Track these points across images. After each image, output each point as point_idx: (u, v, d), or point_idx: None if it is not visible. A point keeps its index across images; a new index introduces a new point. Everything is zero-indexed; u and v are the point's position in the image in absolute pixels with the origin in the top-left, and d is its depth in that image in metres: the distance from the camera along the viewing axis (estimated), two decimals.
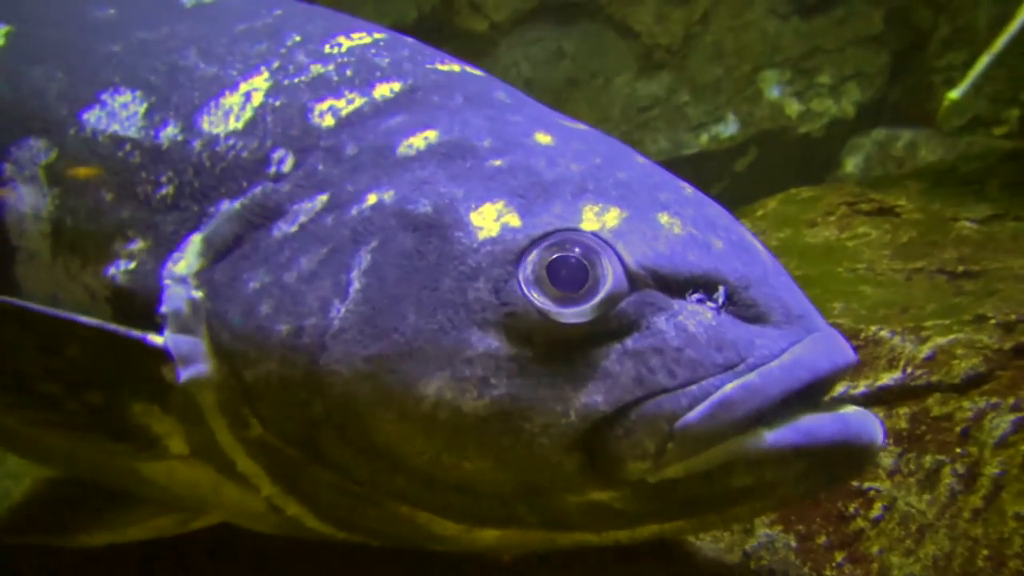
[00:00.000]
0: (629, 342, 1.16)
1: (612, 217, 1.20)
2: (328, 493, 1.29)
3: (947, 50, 4.25)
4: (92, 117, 1.39)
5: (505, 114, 1.37)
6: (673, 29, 4.36)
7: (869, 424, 1.20)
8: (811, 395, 1.19)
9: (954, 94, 2.81)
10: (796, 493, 1.21)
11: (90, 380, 1.29)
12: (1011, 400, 1.65)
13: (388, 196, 1.25)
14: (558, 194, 1.22)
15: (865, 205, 2.60)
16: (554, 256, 1.17)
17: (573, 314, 1.15)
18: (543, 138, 1.31)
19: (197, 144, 1.35)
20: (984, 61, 2.75)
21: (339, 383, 1.19)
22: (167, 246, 1.31)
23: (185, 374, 1.26)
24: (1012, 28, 2.71)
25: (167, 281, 1.29)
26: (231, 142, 1.34)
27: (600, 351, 1.16)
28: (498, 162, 1.26)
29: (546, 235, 1.18)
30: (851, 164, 4.31)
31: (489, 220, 1.20)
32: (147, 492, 1.46)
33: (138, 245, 1.33)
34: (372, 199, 1.25)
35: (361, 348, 1.18)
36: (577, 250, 1.17)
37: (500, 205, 1.21)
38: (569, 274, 1.16)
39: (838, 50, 4.38)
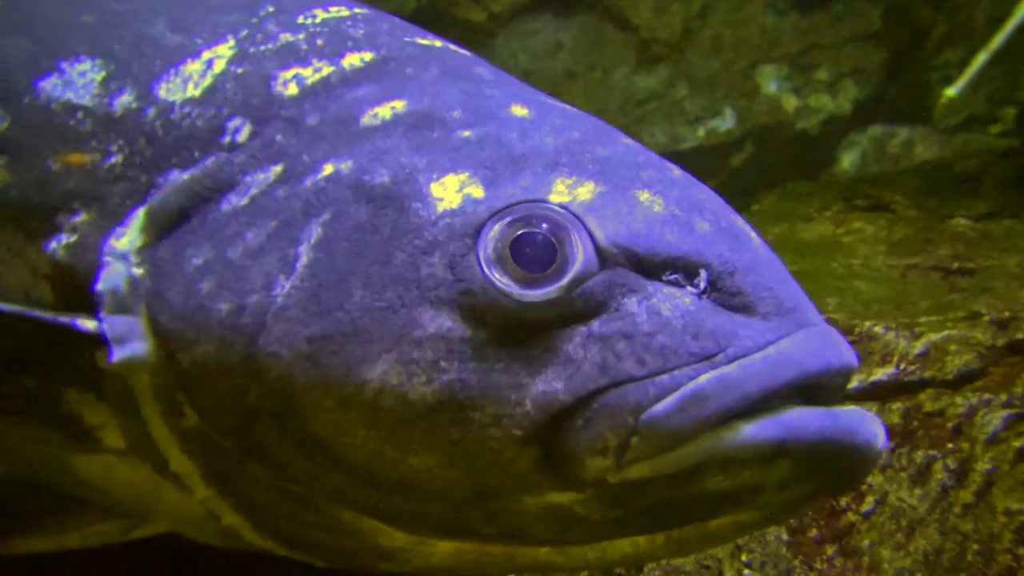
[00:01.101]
0: (595, 325, 1.05)
1: (585, 191, 1.09)
2: (264, 495, 1.19)
3: (945, 48, 4.25)
4: (48, 85, 1.31)
5: (482, 87, 1.27)
6: (671, 23, 4.36)
7: (866, 422, 1.05)
8: (806, 400, 1.06)
9: (951, 91, 2.81)
10: (782, 501, 1.07)
11: (23, 364, 1.22)
12: (1003, 396, 1.66)
13: (345, 167, 1.16)
14: (528, 166, 1.12)
15: (861, 201, 2.61)
16: (519, 233, 1.06)
17: (537, 296, 1.05)
18: (519, 111, 1.21)
19: (151, 112, 1.26)
20: (981, 59, 2.75)
21: (277, 366, 1.09)
22: (112, 219, 1.22)
23: (118, 354, 1.17)
24: (1009, 26, 2.72)
25: (107, 258, 1.20)
26: (186, 110, 1.25)
27: (562, 334, 1.05)
28: (467, 133, 1.17)
29: (509, 207, 1.08)
30: (847, 160, 4.32)
31: (451, 191, 1.11)
32: (88, 494, 1.36)
33: (81, 218, 1.23)
34: (328, 169, 1.17)
35: (303, 327, 1.09)
36: (544, 226, 1.06)
37: (464, 176, 1.12)
38: (535, 253, 1.06)
39: (836, 46, 4.38)
